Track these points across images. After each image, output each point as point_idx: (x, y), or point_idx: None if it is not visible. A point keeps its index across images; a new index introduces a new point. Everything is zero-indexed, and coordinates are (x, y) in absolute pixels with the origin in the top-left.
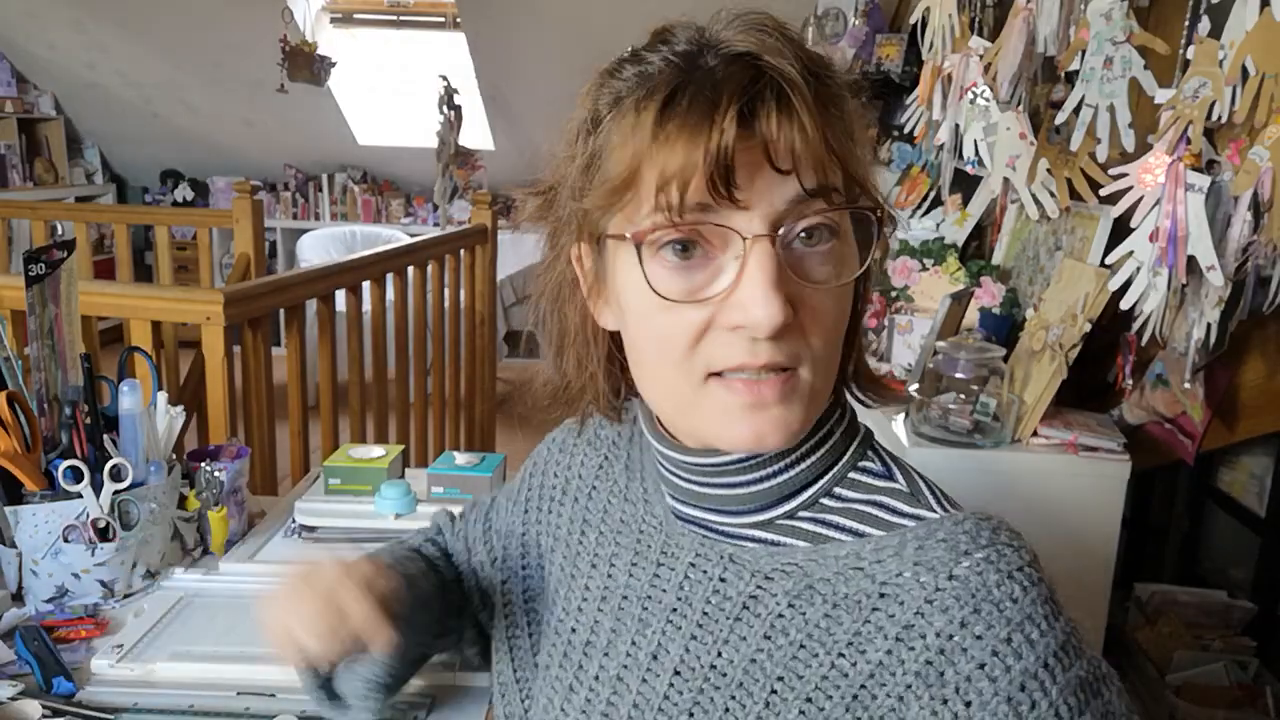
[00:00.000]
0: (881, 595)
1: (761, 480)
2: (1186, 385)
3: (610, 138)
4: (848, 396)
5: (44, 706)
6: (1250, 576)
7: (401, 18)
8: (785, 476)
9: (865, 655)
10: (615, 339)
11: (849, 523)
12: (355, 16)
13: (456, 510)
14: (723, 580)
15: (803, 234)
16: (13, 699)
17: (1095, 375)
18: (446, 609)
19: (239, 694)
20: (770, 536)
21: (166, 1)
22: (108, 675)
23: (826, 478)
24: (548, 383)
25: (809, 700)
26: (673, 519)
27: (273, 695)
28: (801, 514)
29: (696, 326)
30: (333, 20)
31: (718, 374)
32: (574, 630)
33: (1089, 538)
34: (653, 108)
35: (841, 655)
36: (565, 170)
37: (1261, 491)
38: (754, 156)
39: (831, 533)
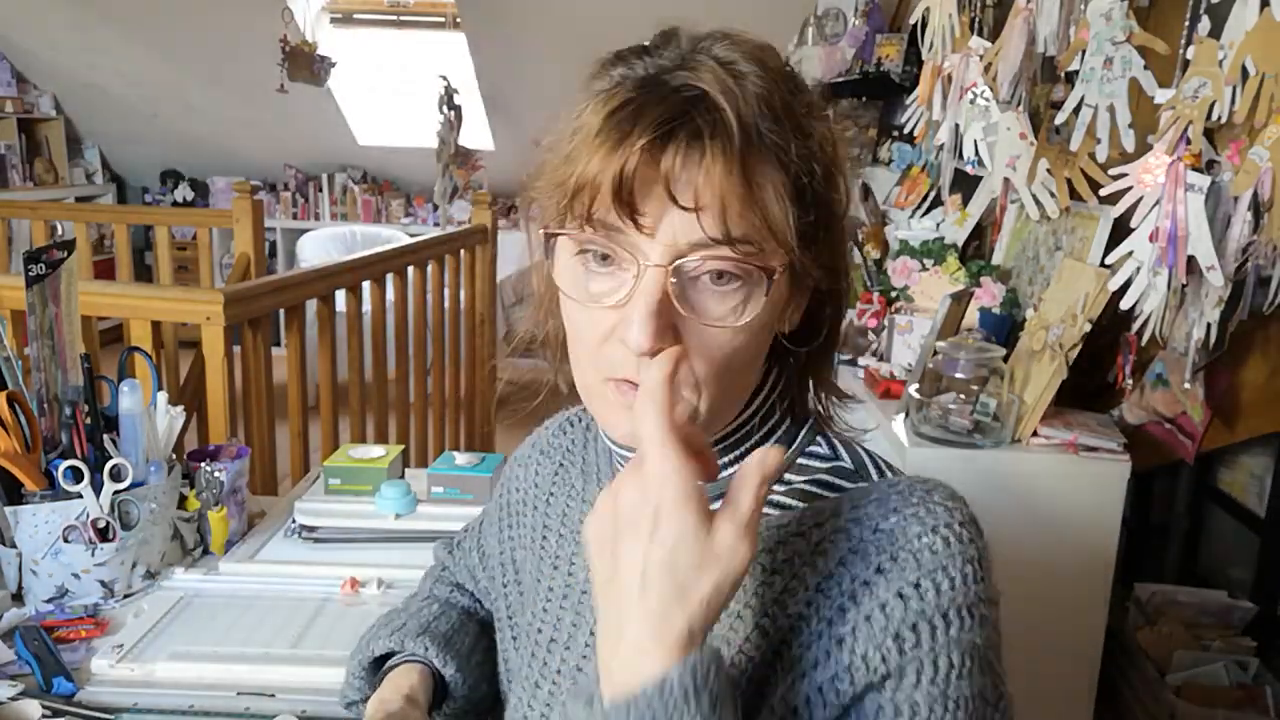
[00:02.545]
0: (812, 554)
1: None
2: (1186, 385)
3: (573, 128)
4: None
5: (44, 706)
6: (1250, 576)
7: (401, 18)
8: (728, 472)
9: (786, 611)
10: None
11: (791, 502)
12: (355, 16)
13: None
14: None
15: (710, 274)
16: (13, 699)
17: (1095, 375)
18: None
19: (239, 694)
20: None
21: (166, 2)
22: (108, 675)
23: None
24: (526, 332)
25: (732, 665)
26: None
27: (273, 695)
28: None
29: (602, 329)
30: (333, 20)
31: (612, 380)
32: (540, 630)
33: (1089, 538)
34: (598, 117)
35: (766, 615)
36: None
37: (1261, 491)
38: (657, 190)
39: (774, 513)
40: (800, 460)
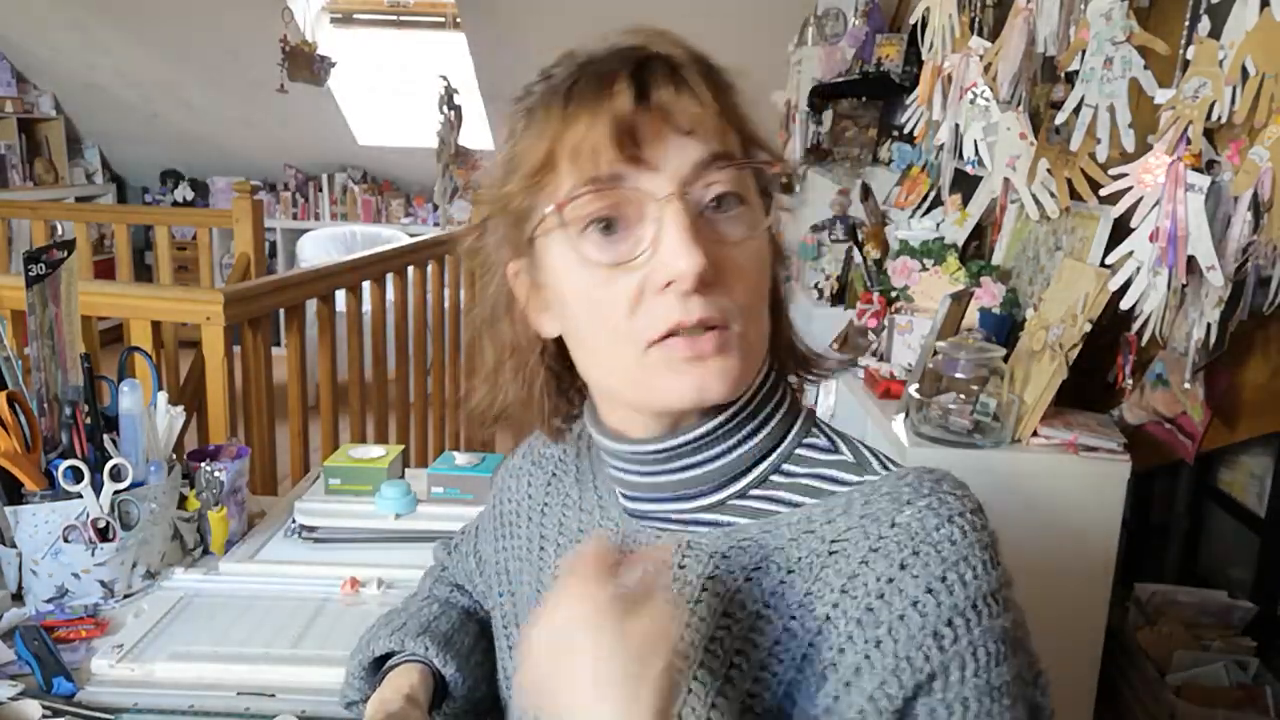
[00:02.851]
0: (830, 553)
1: (712, 460)
2: (1186, 385)
3: (524, 140)
4: (788, 377)
5: (44, 706)
6: (1250, 576)
7: (401, 18)
8: (734, 455)
9: (814, 613)
10: (556, 351)
11: (796, 497)
12: (355, 16)
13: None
14: (681, 567)
15: (712, 203)
16: (13, 699)
17: (1095, 375)
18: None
19: (239, 694)
20: (723, 518)
21: (166, 1)
22: (108, 675)
23: (775, 454)
24: (481, 402)
25: (763, 668)
26: (629, 519)
27: (273, 695)
28: (753, 492)
29: (630, 294)
30: (333, 20)
31: (657, 341)
32: None
33: (1089, 538)
34: (558, 99)
35: (793, 618)
36: (492, 194)
37: (1261, 491)
38: (655, 124)
39: (779, 509)
40: (799, 451)
